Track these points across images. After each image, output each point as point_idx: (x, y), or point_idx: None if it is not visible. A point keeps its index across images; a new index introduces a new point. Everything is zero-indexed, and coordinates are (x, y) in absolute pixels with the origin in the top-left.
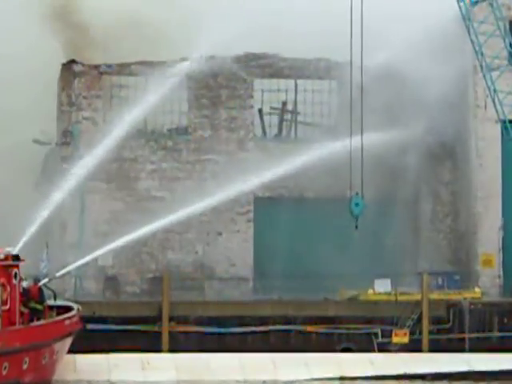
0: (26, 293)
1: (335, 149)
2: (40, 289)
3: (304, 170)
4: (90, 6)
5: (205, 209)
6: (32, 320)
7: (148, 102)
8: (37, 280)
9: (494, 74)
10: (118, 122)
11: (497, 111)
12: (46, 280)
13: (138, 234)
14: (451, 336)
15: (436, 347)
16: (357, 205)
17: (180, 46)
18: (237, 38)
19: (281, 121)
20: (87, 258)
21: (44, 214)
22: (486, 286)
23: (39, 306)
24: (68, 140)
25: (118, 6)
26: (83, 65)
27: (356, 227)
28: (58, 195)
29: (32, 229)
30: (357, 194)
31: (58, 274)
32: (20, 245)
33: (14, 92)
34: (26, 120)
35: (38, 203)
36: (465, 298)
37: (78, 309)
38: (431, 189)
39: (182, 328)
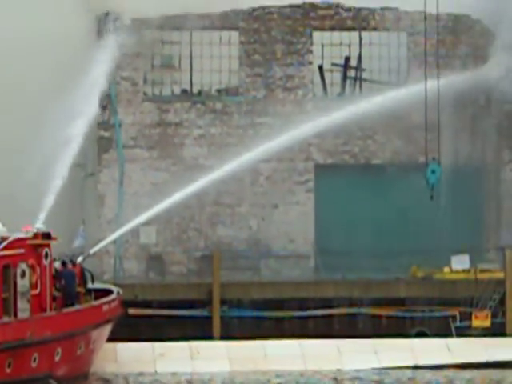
0: (58, 275)
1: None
2: (82, 269)
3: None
4: None
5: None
6: (70, 305)
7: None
8: (71, 260)
9: None
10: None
11: None
12: (80, 259)
13: (180, 195)
14: None
15: None
16: (433, 172)
17: None
18: None
19: (344, 78)
20: (122, 230)
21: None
22: None
23: (82, 289)
24: (104, 103)
25: None
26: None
27: (431, 197)
28: None
29: (50, 198)
30: (433, 159)
31: (91, 251)
32: (41, 220)
33: (41, 50)
34: (57, 80)
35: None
36: None
37: (119, 292)
38: None
39: (234, 312)
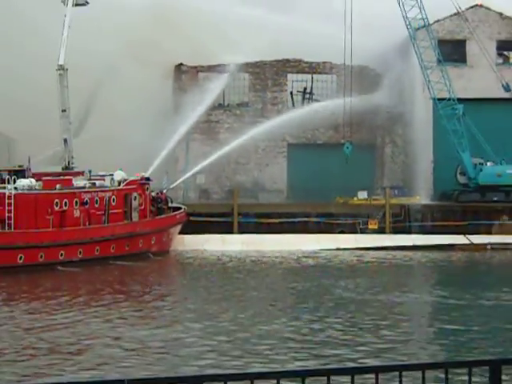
0: (155, 199)
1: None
2: (166, 196)
3: (316, 123)
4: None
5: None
6: (159, 214)
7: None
8: (160, 192)
9: (429, 71)
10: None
11: (430, 93)
12: (165, 191)
13: (214, 157)
14: (402, 224)
15: (394, 231)
16: (348, 148)
17: (244, 49)
18: (277, 49)
19: (303, 99)
20: (186, 176)
21: (163, 153)
22: (423, 195)
23: (165, 206)
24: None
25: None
26: (186, 66)
27: (346, 162)
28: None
29: (157, 161)
30: (348, 141)
31: (171, 187)
32: (150, 171)
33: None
34: (152, 101)
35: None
36: (411, 202)
37: (185, 208)
38: (391, 138)
39: (245, 220)
